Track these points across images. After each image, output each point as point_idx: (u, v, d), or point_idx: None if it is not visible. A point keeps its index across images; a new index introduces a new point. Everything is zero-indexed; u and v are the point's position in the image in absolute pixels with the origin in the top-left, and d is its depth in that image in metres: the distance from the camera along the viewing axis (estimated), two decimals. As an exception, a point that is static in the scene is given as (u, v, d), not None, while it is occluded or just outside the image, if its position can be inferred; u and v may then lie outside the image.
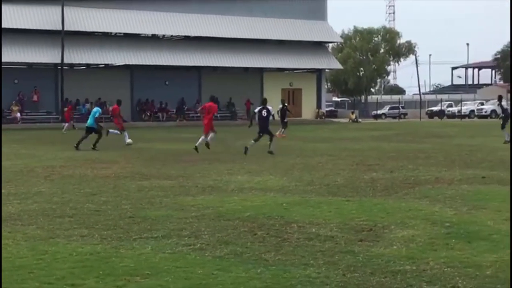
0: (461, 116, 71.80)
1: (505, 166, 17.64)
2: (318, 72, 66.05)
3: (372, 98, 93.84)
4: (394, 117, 74.03)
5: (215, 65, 59.11)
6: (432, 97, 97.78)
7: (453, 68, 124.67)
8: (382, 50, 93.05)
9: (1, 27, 49.00)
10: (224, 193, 12.97)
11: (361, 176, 15.71)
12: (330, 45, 77.26)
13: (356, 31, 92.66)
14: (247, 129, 25.06)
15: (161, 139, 32.52)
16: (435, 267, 7.17)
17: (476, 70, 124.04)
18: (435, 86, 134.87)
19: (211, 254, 7.84)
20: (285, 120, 34.77)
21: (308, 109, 65.22)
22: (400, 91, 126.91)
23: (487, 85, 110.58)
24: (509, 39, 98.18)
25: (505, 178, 14.97)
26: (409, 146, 26.25)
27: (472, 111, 74.76)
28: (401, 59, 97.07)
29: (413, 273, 6.95)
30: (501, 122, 29.02)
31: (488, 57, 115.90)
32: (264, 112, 22.82)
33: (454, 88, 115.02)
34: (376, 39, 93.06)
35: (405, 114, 78.05)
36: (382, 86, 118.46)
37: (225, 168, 17.73)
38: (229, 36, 59.37)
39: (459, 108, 74.99)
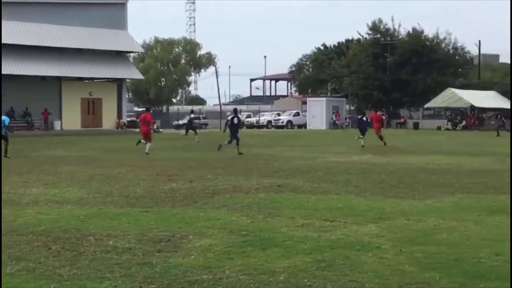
0: (259, 126, 74.14)
1: (300, 175, 18.41)
2: (119, 81, 65.31)
3: (173, 108, 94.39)
4: (196, 128, 74.80)
5: (10, 73, 56.54)
6: (232, 107, 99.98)
7: (252, 80, 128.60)
8: (183, 61, 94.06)
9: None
10: (18, 206, 12.42)
11: (161, 186, 15.70)
12: (132, 54, 76.80)
13: (157, 41, 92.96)
14: (43, 139, 24.20)
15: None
16: (231, 275, 7.29)
17: (273, 82, 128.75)
18: (235, 97, 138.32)
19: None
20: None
21: (108, 119, 64.21)
22: (201, 101, 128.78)
23: (283, 96, 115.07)
24: (299, 57, 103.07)
25: (299, 186, 15.61)
26: (209, 156, 26.61)
27: (270, 121, 77.43)
28: (202, 70, 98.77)
29: (209, 282, 7.03)
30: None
31: (284, 69, 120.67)
32: (235, 120, 27.94)
33: (252, 99, 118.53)
34: (177, 49, 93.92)
35: (206, 124, 79.24)
36: (184, 96, 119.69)
37: (20, 180, 17.00)
38: (26, 43, 57.16)
39: (258, 118, 77.38)
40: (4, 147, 25.53)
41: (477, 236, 9.36)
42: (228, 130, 28.34)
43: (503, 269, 7.47)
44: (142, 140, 27.96)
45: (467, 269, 7.46)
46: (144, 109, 29.44)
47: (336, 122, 71.07)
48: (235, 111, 29.84)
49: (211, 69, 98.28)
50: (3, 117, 26.82)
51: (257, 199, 13.30)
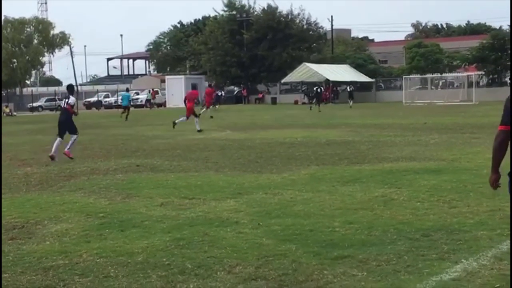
0: (118, 106, 72.93)
1: (159, 154, 18.29)
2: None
3: (27, 90, 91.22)
4: (51, 109, 72.73)
5: None
6: (90, 88, 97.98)
7: (109, 59, 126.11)
8: (35, 41, 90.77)
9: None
10: None
11: (14, 171, 15.15)
12: (-21, 35, 73.34)
13: (7, 21, 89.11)
14: None
15: None
16: (88, 259, 7.14)
17: (131, 60, 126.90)
18: (92, 77, 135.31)
19: None
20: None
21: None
22: (57, 82, 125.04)
23: (141, 75, 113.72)
24: (156, 35, 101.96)
25: (158, 165, 15.52)
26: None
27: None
28: (56, 50, 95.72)
29: (65, 267, 6.85)
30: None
31: (141, 48, 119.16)
32: (319, 90, 50.81)
33: (110, 79, 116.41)
34: (28, 29, 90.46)
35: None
36: (38, 77, 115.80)
37: None
38: None
39: (116, 98, 76.14)
40: (126, 114, 41.59)
41: (331, 206, 9.65)
42: None
43: (355, 237, 7.75)
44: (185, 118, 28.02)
45: (321, 239, 7.68)
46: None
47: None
48: (316, 84, 53.49)
49: (66, 49, 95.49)
50: (127, 93, 46.02)
51: (115, 180, 13.10)
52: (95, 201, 10.79)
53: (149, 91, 73.07)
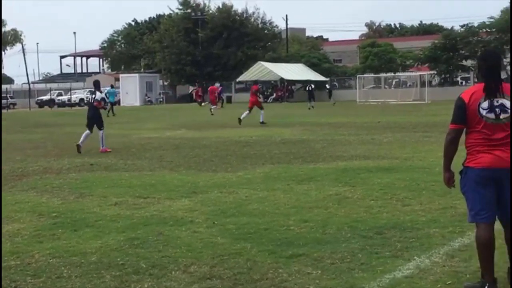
0: (71, 104, 72.20)
1: (113, 152, 18.14)
2: None
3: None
4: (2, 108, 71.65)
5: None
6: (42, 86, 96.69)
7: (62, 57, 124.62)
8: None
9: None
10: None
11: (-36, 171, 14.83)
12: None
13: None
14: None
15: None
16: (41, 259, 7.04)
17: (84, 58, 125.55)
18: (44, 75, 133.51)
19: None
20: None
21: None
22: (8, 80, 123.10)
23: (95, 73, 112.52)
24: (110, 33, 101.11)
25: (112, 164, 15.39)
26: (17, 137, 25.56)
27: (82, 99, 75.55)
28: (7, 48, 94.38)
29: (17, 268, 6.75)
30: None
31: (95, 46, 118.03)
32: (309, 87, 50.12)
33: (63, 77, 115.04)
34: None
35: (14, 104, 76.06)
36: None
37: None
38: None
39: (69, 96, 75.29)
40: (111, 110, 42.00)
41: (286, 205, 9.69)
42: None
43: (310, 235, 7.79)
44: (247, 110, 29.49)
45: (276, 237, 7.69)
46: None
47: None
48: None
49: (18, 46, 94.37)
50: (112, 90, 46.85)
51: (69, 180, 12.94)
52: (47, 200, 10.65)
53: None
